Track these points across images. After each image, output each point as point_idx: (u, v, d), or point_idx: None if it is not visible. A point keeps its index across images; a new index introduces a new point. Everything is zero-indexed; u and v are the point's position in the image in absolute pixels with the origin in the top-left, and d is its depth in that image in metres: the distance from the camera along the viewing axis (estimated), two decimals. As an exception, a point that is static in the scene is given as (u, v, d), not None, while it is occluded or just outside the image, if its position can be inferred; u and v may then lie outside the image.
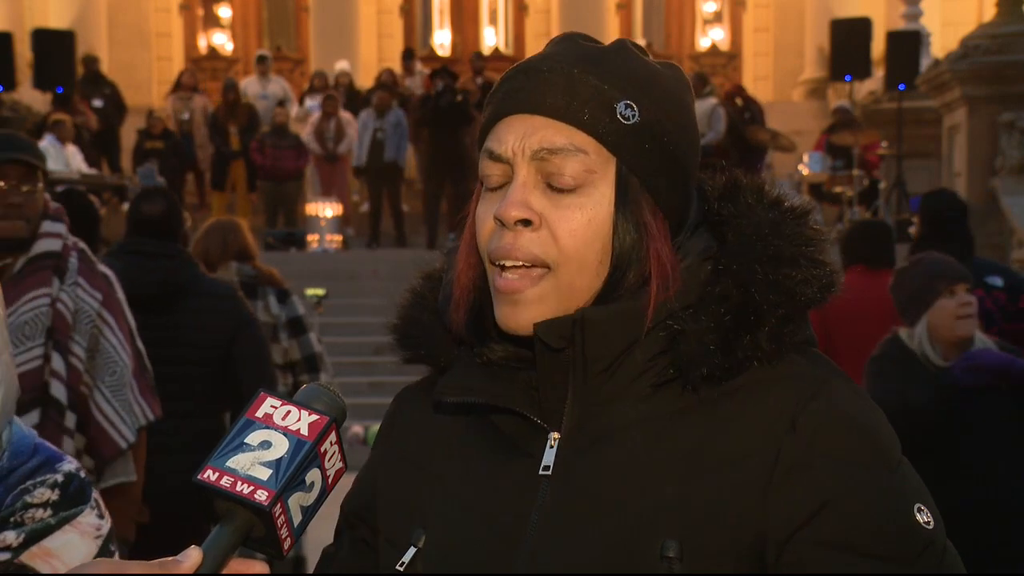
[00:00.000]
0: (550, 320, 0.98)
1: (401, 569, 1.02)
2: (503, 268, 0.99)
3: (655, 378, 0.99)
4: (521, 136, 0.99)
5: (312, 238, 12.14)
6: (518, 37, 17.84)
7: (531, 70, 1.02)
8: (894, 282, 3.45)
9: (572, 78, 0.99)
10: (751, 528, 0.94)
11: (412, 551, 1.02)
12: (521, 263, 0.98)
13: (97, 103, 13.40)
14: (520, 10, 18.16)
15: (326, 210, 12.20)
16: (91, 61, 14.08)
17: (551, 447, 1.01)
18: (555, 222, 0.98)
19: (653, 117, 1.00)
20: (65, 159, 11.57)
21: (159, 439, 3.23)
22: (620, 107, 0.99)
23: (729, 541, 0.94)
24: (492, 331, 1.04)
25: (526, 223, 0.98)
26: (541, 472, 1.00)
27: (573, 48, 1.03)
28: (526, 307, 0.99)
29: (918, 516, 0.96)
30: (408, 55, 14.68)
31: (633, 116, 0.99)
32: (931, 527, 0.96)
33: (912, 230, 10.11)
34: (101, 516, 1.12)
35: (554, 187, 0.99)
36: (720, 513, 0.95)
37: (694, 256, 1.01)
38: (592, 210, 0.99)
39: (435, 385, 1.08)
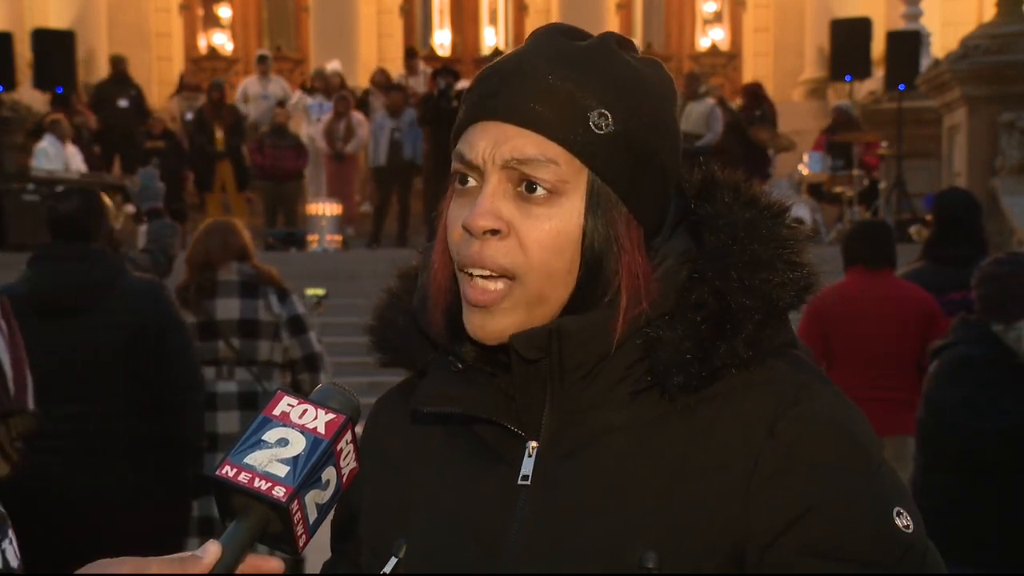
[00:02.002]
0: (526, 331, 0.98)
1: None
2: (471, 275, 0.99)
3: (633, 386, 0.99)
4: (492, 144, 0.98)
5: (312, 238, 12.16)
6: (518, 37, 17.85)
7: (506, 72, 1.00)
8: (985, 275, 3.23)
9: (547, 85, 0.97)
10: (732, 535, 0.94)
11: (393, 561, 1.03)
12: (488, 272, 0.98)
13: (123, 103, 13.43)
14: (520, 10, 18.17)
15: (326, 210, 12.23)
16: (119, 61, 14.11)
17: (529, 456, 1.01)
18: (523, 232, 0.97)
19: (629, 124, 0.98)
20: (65, 159, 11.59)
21: (61, 442, 3.26)
22: (593, 116, 0.97)
23: (710, 548, 0.94)
24: (468, 333, 1.03)
25: (494, 232, 0.97)
26: (520, 481, 1.00)
27: (553, 46, 1.01)
28: (495, 318, 0.98)
29: (897, 520, 0.96)
30: (411, 54, 14.74)
31: (607, 125, 0.97)
32: (911, 530, 0.96)
33: (912, 230, 10.16)
34: None
35: (523, 196, 0.98)
36: (700, 520, 0.94)
37: (672, 260, 1.00)
38: (562, 220, 0.98)
39: (414, 388, 1.08)
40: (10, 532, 1.05)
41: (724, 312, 0.97)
